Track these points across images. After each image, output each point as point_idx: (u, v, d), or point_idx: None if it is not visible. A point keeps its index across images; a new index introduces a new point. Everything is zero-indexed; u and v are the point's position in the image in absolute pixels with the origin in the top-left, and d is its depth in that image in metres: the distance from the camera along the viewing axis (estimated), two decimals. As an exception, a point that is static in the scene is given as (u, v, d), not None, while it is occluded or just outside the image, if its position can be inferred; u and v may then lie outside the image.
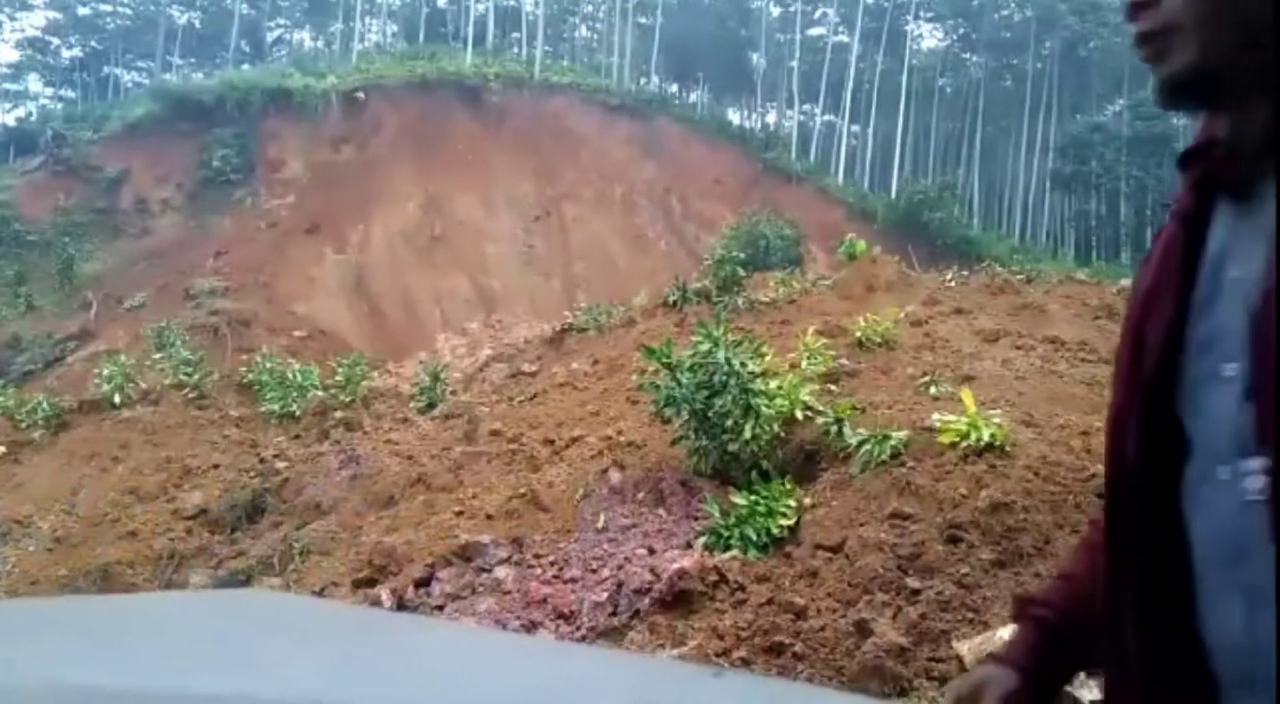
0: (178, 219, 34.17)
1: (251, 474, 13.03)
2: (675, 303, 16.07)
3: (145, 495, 12.55)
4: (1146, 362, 0.92)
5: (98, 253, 32.22)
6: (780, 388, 8.56)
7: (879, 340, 11.59)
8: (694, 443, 8.27)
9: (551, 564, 7.38)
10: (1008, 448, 7.08)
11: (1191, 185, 0.92)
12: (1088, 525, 1.20)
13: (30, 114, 50.26)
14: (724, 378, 7.98)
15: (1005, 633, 5.02)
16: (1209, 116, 0.91)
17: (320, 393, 16.32)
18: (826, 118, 56.53)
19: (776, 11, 55.57)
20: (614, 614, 6.27)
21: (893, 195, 44.32)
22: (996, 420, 7.39)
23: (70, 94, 53.40)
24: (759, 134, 50.26)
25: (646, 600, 6.22)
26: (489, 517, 8.76)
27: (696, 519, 7.75)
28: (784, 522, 7.17)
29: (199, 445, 14.10)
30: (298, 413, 15.43)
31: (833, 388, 9.79)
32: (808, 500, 7.44)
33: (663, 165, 43.95)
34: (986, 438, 7.12)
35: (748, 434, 7.90)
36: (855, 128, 54.51)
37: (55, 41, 52.97)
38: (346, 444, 12.89)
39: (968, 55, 57.02)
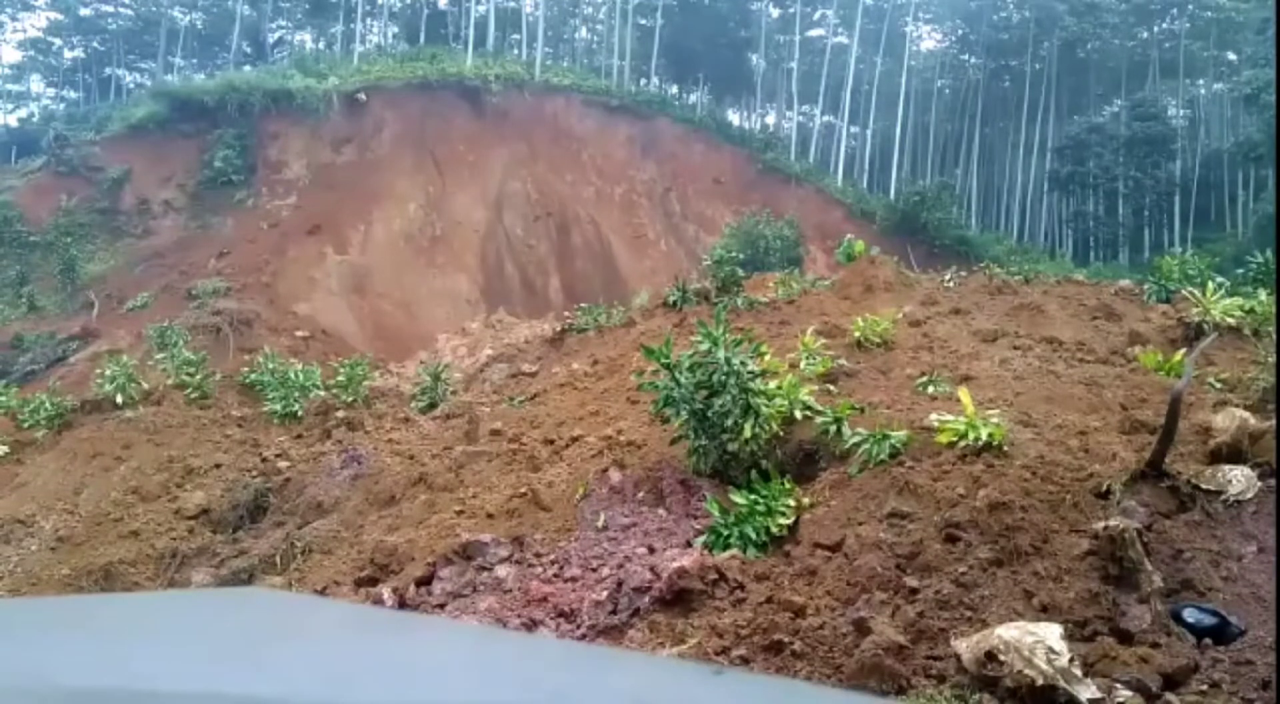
0: (179, 219, 34.23)
1: (253, 473, 13.08)
2: (675, 303, 16.10)
3: (147, 495, 12.60)
4: None
5: (100, 253, 32.29)
6: (779, 388, 8.59)
7: (877, 340, 11.62)
8: (693, 442, 8.30)
9: (552, 563, 7.41)
10: (1005, 447, 7.11)
11: None
12: None
13: (32, 115, 50.41)
14: (723, 378, 8.01)
15: (1002, 631, 5.05)
16: None
17: (322, 393, 16.37)
18: (826, 119, 56.61)
19: (776, 13, 55.56)
20: (614, 612, 6.30)
21: (891, 196, 44.35)
22: (994, 420, 7.41)
23: (72, 95, 53.49)
24: (759, 135, 50.32)
25: (646, 599, 6.24)
26: (490, 515, 8.79)
27: (696, 518, 7.77)
28: (783, 521, 7.21)
29: (201, 445, 14.14)
30: (299, 412, 15.47)
31: (831, 388, 9.81)
32: (807, 499, 7.47)
33: (663, 166, 43.98)
34: (984, 437, 7.15)
35: (747, 433, 7.92)
36: (854, 128, 54.55)
37: (57, 42, 53.04)
38: (348, 444, 12.93)
39: (966, 57, 57.04)
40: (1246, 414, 7.21)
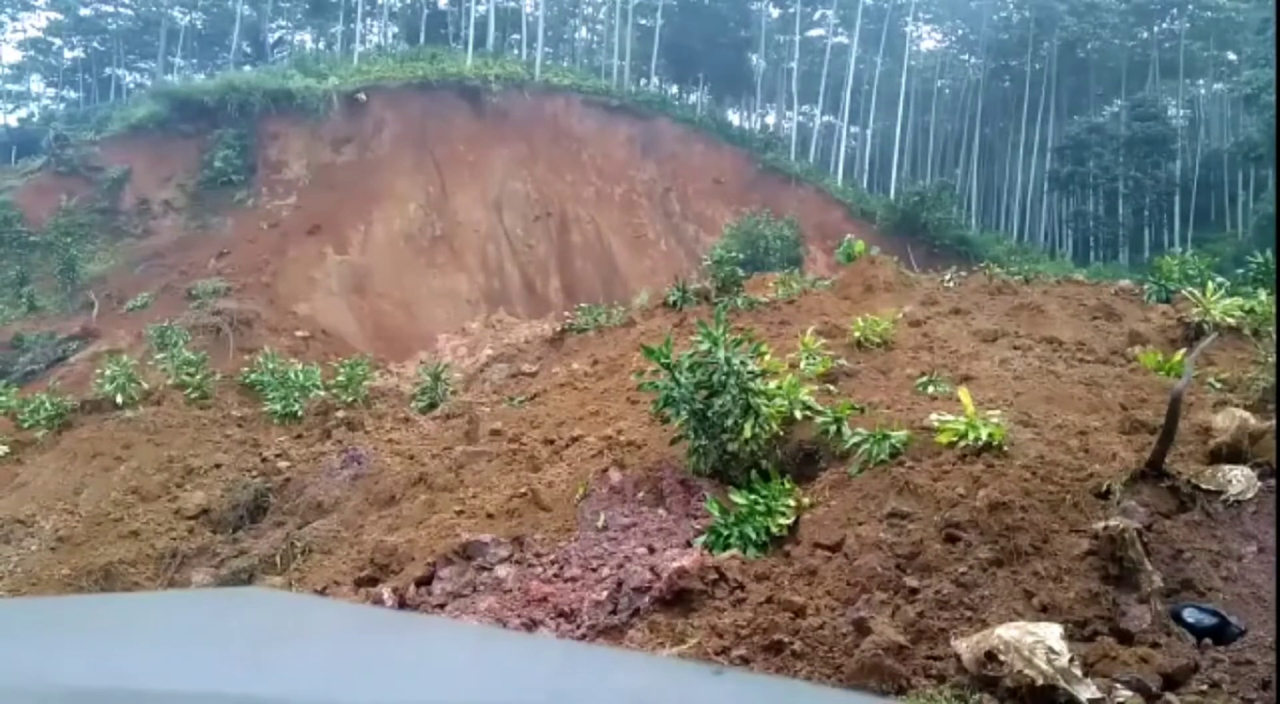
0: (179, 219, 34.24)
1: (253, 473, 13.08)
2: (675, 303, 16.10)
3: (147, 495, 12.60)
4: None
5: (100, 253, 32.30)
6: (779, 388, 8.59)
7: (877, 340, 11.62)
8: (693, 442, 8.30)
9: (552, 563, 7.41)
10: (1005, 447, 7.11)
11: None
12: None
13: (32, 115, 50.39)
14: (723, 377, 8.01)
15: (1002, 631, 5.05)
16: None
17: (322, 393, 16.37)
18: (826, 118, 56.62)
19: (776, 13, 55.55)
20: (614, 612, 6.30)
21: (891, 196, 44.34)
22: (994, 420, 7.41)
23: (72, 95, 53.49)
24: (759, 135, 50.30)
25: (646, 599, 6.24)
26: (490, 515, 8.80)
27: (696, 518, 7.77)
28: (783, 521, 7.21)
29: (201, 445, 14.14)
30: (299, 412, 15.48)
31: (831, 388, 9.81)
32: (807, 499, 7.47)
33: (663, 166, 43.98)
34: (984, 437, 7.15)
35: (747, 433, 7.92)
36: (854, 128, 54.55)
37: (57, 42, 53.03)
38: (348, 444, 12.93)
39: (966, 57, 57.07)
40: (1246, 414, 7.21)
